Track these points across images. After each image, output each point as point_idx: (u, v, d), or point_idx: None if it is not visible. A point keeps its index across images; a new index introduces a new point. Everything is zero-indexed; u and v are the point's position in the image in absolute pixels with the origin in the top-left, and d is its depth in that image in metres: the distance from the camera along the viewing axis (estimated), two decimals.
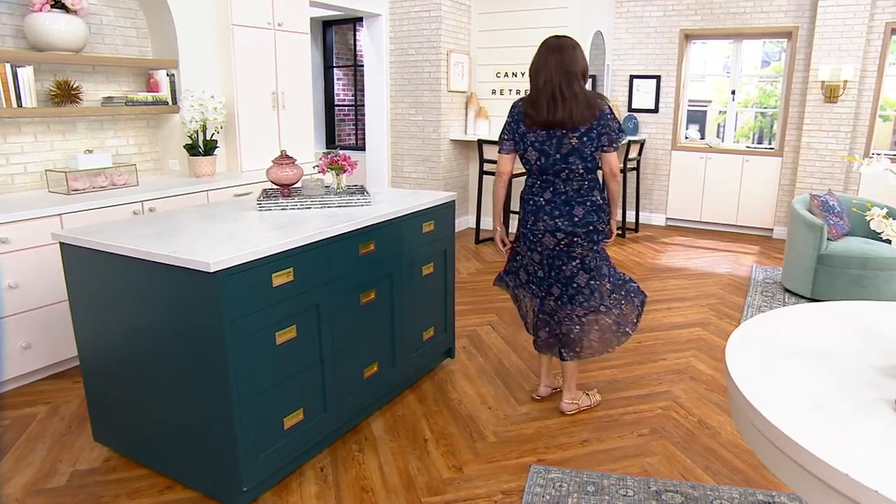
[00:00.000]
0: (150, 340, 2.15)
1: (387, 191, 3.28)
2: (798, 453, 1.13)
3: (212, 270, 1.88)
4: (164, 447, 2.27)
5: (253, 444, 2.11)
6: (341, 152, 2.92)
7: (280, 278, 2.13)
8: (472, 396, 3.04)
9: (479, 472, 2.42)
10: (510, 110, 2.72)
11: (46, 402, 2.94)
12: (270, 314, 2.11)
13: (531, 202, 2.71)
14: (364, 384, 2.66)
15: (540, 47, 2.63)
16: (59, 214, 3.07)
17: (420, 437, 2.67)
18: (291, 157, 2.84)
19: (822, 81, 5.80)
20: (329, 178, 2.97)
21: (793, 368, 1.44)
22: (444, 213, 3.08)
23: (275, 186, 2.98)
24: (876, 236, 4.62)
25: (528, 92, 2.68)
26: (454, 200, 3.16)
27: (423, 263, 2.98)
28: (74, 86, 3.54)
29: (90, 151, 3.60)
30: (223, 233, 2.28)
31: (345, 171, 2.90)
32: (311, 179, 2.88)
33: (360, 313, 2.57)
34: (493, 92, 6.36)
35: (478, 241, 6.09)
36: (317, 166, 2.93)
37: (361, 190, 2.98)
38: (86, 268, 2.25)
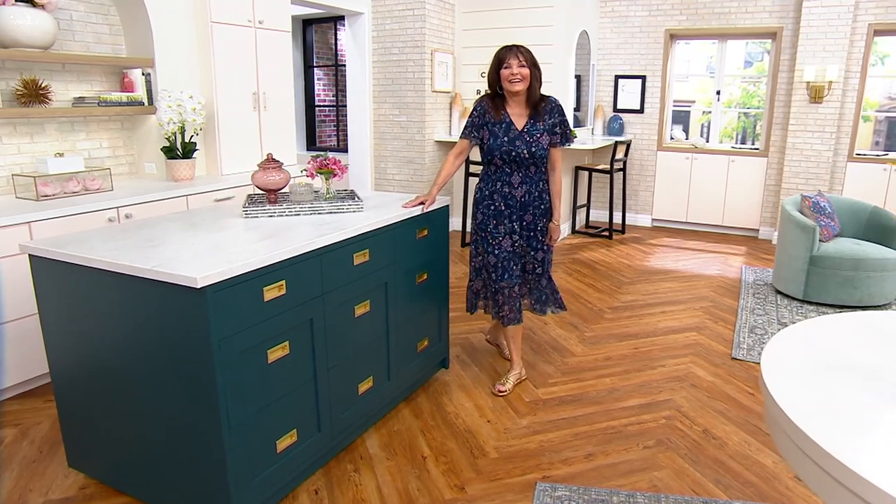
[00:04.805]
0: (130, 359, 1.99)
1: (376, 195, 3.14)
2: (863, 488, 1.03)
3: (199, 286, 1.73)
4: (146, 473, 2.11)
5: (244, 470, 1.96)
6: (330, 155, 2.78)
7: (271, 292, 1.98)
8: (469, 409, 2.92)
9: (483, 492, 2.30)
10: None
11: (14, 423, 2.74)
12: (262, 331, 1.96)
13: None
14: (359, 400, 2.53)
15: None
16: (28, 222, 2.87)
17: (418, 455, 2.54)
18: (278, 161, 2.68)
19: (808, 82, 5.81)
20: (318, 182, 2.82)
21: (837, 386, 1.34)
22: (439, 218, 2.96)
23: (260, 192, 2.82)
24: (866, 237, 4.62)
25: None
26: (448, 205, 3.04)
27: (418, 271, 2.85)
28: (43, 85, 3.33)
29: (61, 155, 3.40)
30: (208, 243, 2.13)
31: (334, 176, 2.76)
32: (300, 184, 2.73)
33: (354, 326, 2.44)
34: (478, 92, 6.24)
35: (464, 244, 5.97)
36: (305, 170, 2.78)
37: (352, 195, 2.84)
38: (58, 282, 2.08)
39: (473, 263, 3.05)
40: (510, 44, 2.81)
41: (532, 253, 2.99)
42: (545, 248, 3.01)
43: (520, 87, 2.76)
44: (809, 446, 1.15)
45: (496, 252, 2.93)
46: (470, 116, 2.90)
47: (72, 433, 2.28)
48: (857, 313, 1.83)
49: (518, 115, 2.84)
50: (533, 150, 2.82)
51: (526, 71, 2.74)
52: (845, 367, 1.45)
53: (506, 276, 2.93)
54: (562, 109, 2.89)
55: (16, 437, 2.64)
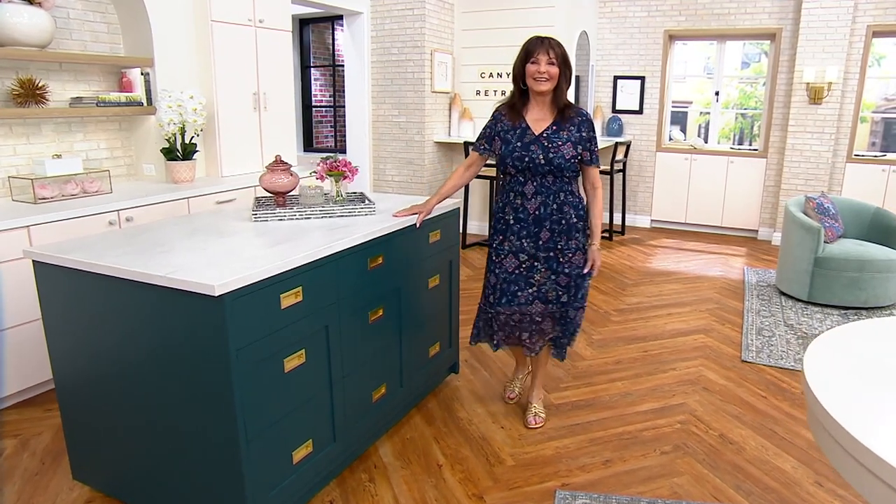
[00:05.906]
0: (139, 368, 1.92)
1: (385, 197, 3.08)
2: None
3: (217, 294, 1.67)
4: (155, 486, 2.04)
5: (261, 482, 1.90)
6: (341, 157, 2.72)
7: (288, 299, 1.92)
8: (482, 415, 2.87)
9: (503, 501, 2.25)
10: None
11: (14, 434, 2.66)
12: (279, 339, 1.90)
13: None
14: (372, 408, 2.47)
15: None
16: (27, 226, 2.79)
17: (433, 463, 2.49)
18: (287, 163, 2.62)
19: (807, 83, 5.82)
20: (328, 184, 2.76)
21: (883, 390, 1.31)
22: (451, 221, 2.91)
23: (267, 194, 2.76)
24: (869, 238, 4.62)
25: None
26: (459, 208, 2.99)
27: (430, 276, 2.80)
28: (39, 85, 3.24)
29: (58, 156, 3.31)
30: (219, 248, 2.06)
31: (345, 178, 2.70)
32: (310, 187, 2.67)
33: (368, 332, 2.38)
34: (477, 93, 6.20)
35: (464, 246, 5.93)
36: (314, 172, 2.72)
37: (362, 197, 2.78)
38: (64, 289, 2.00)
39: (484, 285, 2.72)
40: (542, 35, 2.50)
41: (553, 277, 2.55)
42: (571, 271, 2.56)
43: (545, 87, 2.45)
44: (860, 450, 1.12)
45: (496, 271, 2.61)
46: (484, 127, 2.65)
47: (77, 444, 2.20)
48: (892, 318, 1.80)
49: (538, 120, 2.53)
50: (550, 156, 2.46)
51: (555, 70, 2.43)
52: (889, 371, 1.41)
53: (503, 301, 2.58)
54: (593, 125, 2.57)
55: (16, 448, 2.55)
